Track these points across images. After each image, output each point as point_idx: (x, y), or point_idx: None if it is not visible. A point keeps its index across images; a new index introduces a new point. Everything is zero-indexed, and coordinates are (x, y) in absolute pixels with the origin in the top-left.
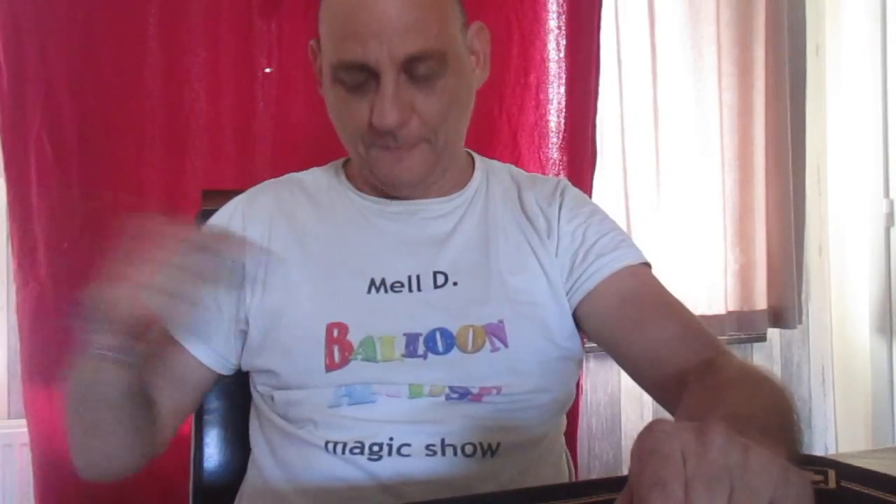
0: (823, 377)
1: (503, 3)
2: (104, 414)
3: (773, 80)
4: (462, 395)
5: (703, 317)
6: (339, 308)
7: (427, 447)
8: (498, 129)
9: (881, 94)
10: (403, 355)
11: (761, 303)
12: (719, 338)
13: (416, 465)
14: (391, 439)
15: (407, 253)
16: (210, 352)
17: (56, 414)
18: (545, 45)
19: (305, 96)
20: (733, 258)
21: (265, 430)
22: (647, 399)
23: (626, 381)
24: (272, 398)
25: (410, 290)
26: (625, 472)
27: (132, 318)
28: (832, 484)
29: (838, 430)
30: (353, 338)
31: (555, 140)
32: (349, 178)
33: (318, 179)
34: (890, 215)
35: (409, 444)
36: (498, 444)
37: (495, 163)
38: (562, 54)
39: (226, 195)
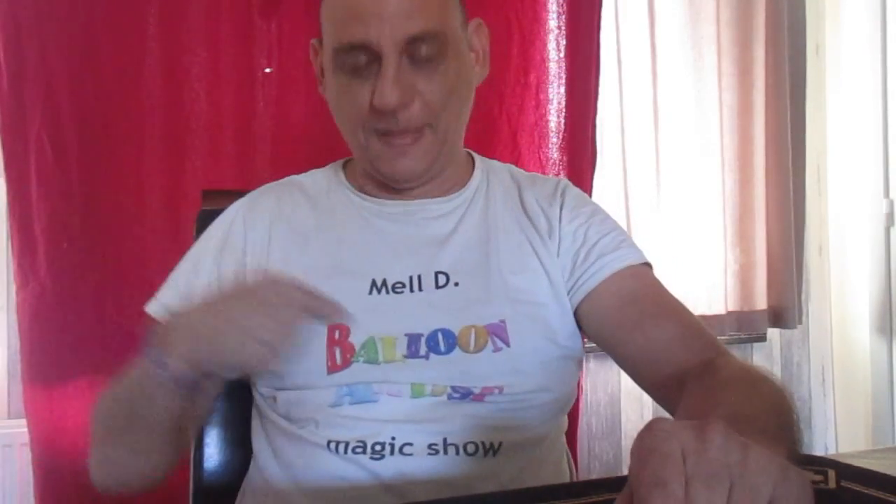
0: (823, 377)
1: (503, 2)
2: (149, 434)
3: (773, 79)
4: (464, 395)
5: (703, 317)
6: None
7: (429, 446)
8: (498, 129)
9: (881, 94)
10: (405, 356)
11: (761, 303)
12: (719, 338)
13: (418, 465)
14: (393, 439)
15: (408, 253)
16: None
17: (56, 414)
18: (545, 45)
19: (305, 96)
20: (733, 258)
21: (267, 430)
22: (647, 399)
23: (626, 381)
24: (274, 399)
25: (412, 290)
26: (625, 472)
27: (228, 364)
28: (832, 484)
29: (838, 430)
30: (355, 339)
31: (555, 140)
32: (349, 179)
33: (318, 181)
34: (890, 215)
35: (411, 444)
36: (500, 444)
37: (495, 162)
38: (562, 54)
39: (226, 195)
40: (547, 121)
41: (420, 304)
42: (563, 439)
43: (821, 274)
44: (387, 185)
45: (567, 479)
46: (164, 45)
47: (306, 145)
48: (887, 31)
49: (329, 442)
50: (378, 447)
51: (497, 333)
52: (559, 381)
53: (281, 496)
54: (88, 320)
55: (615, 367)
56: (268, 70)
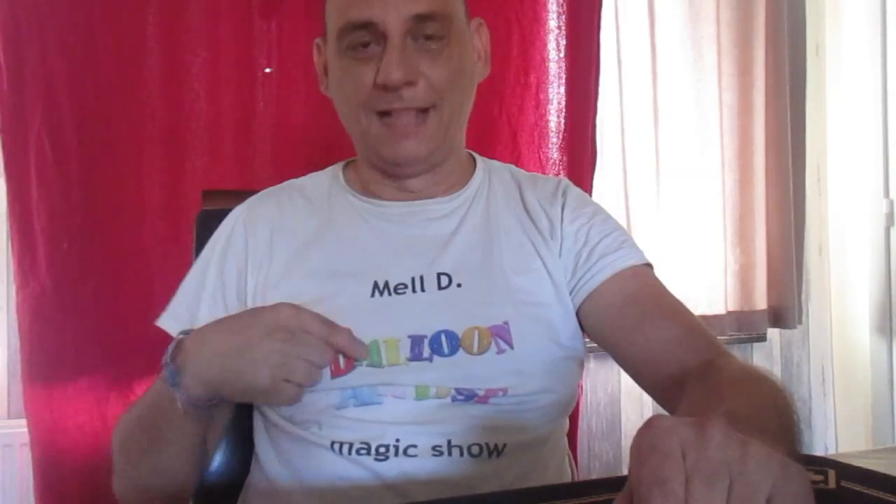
0: (823, 377)
1: (503, 2)
2: (172, 455)
3: (773, 79)
4: (468, 396)
5: (703, 317)
6: (343, 314)
7: (433, 448)
8: (498, 129)
9: (881, 94)
10: (409, 359)
11: (761, 303)
12: (719, 338)
13: (423, 466)
14: (398, 440)
15: (409, 254)
16: None
17: (56, 414)
18: (545, 45)
19: (305, 96)
20: (733, 258)
21: (269, 431)
22: (647, 399)
23: (626, 381)
24: None
25: (414, 291)
26: (625, 471)
27: (251, 396)
28: (832, 484)
29: (838, 430)
30: None
31: (555, 140)
32: (348, 180)
33: (318, 184)
34: (890, 215)
35: (415, 445)
36: (504, 445)
37: (495, 162)
38: (562, 54)
39: (226, 195)
40: (547, 121)
41: (423, 306)
42: (565, 440)
43: (821, 274)
44: (389, 177)
45: (568, 480)
46: (164, 45)
47: (306, 145)
48: (887, 31)
49: (333, 443)
50: (382, 449)
51: (500, 335)
52: (562, 383)
53: (283, 496)
54: (88, 320)
55: (615, 367)
56: (268, 70)
